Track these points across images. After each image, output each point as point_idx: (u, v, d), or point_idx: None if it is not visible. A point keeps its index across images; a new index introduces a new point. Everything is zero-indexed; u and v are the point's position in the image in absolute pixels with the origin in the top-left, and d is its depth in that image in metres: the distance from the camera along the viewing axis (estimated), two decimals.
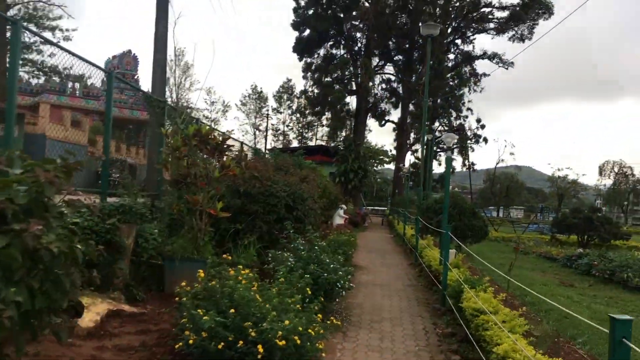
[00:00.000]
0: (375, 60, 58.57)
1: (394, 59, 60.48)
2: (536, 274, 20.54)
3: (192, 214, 9.56)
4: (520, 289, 11.31)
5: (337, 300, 9.49)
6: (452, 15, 56.82)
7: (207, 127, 10.67)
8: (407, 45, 57.18)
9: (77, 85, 36.21)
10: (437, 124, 61.33)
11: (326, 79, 56.30)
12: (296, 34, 57.22)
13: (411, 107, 58.96)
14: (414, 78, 57.31)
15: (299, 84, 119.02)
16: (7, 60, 6.81)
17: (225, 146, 10.34)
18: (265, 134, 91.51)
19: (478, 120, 62.41)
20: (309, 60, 58.06)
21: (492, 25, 58.29)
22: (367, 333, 8.37)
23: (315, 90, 58.47)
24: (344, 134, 61.17)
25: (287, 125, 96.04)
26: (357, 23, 55.72)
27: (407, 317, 9.77)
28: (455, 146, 56.92)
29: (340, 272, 9.00)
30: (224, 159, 10.39)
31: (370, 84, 56.60)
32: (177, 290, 6.19)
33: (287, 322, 5.40)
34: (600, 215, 35.72)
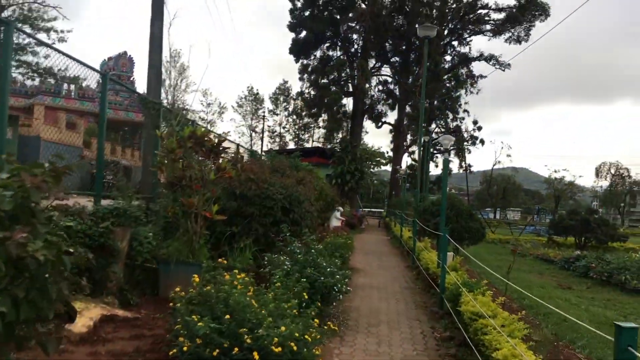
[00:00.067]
0: (371, 62, 58.60)
1: (391, 60, 60.47)
2: (533, 276, 20.50)
3: (187, 217, 9.47)
4: (519, 292, 11.24)
5: (334, 304, 9.40)
6: (449, 17, 56.86)
7: (203, 129, 10.57)
8: (403, 47, 57.11)
9: (72, 86, 36.11)
10: (433, 125, 61.33)
11: (323, 81, 56.29)
12: (292, 35, 57.27)
13: (408, 108, 58.99)
14: (410, 80, 57.25)
15: (296, 86, 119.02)
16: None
17: (220, 148, 10.24)
18: (261, 135, 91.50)
19: (475, 122, 62.44)
20: (305, 61, 58.08)
21: (488, 26, 58.31)
22: (365, 337, 8.28)
23: (312, 92, 58.51)
24: (340, 135, 61.23)
25: (284, 127, 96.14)
26: (353, 24, 55.71)
27: (405, 321, 9.68)
28: (451, 148, 56.94)
29: (338, 276, 8.90)
30: (220, 161, 10.29)
31: (367, 85, 56.66)
32: (172, 296, 6.09)
33: (283, 328, 5.29)
34: (597, 217, 35.74)
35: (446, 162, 13.69)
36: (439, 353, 7.75)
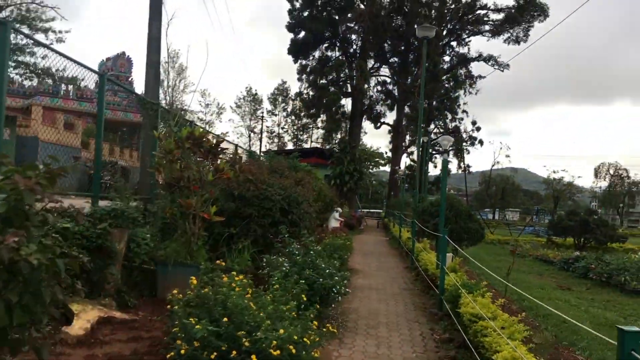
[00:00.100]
0: (370, 63, 58.57)
1: (390, 61, 60.44)
2: (533, 277, 20.48)
3: (185, 218, 9.42)
4: (518, 293, 11.19)
5: (332, 305, 9.35)
6: (448, 18, 56.86)
7: (201, 129, 10.52)
8: (402, 48, 57.08)
9: (70, 87, 36.01)
10: (432, 126, 61.34)
11: (321, 81, 56.24)
12: (291, 36, 57.23)
13: (406, 109, 59.01)
14: (409, 80, 57.25)
15: (294, 86, 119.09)
16: None
17: (219, 149, 10.20)
18: (260, 136, 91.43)
19: (473, 123, 62.44)
20: (304, 62, 58.04)
21: (487, 27, 58.31)
22: (364, 339, 8.23)
23: (311, 93, 58.44)
24: (339, 136, 61.13)
25: (282, 128, 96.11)
26: (352, 25, 55.69)
27: (404, 322, 9.64)
28: (450, 148, 56.94)
29: (336, 277, 8.85)
30: (218, 162, 10.25)
31: (366, 86, 56.64)
32: (169, 298, 6.03)
33: (281, 330, 5.24)
34: (597, 217, 35.73)
35: (445, 163, 13.66)
36: (439, 355, 7.70)
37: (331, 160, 46.32)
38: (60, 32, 47.86)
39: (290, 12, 56.21)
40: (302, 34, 56.02)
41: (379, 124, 62.97)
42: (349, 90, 56.98)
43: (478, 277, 13.80)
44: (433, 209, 19.39)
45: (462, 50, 60.78)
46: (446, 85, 58.24)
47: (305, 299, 7.09)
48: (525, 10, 54.57)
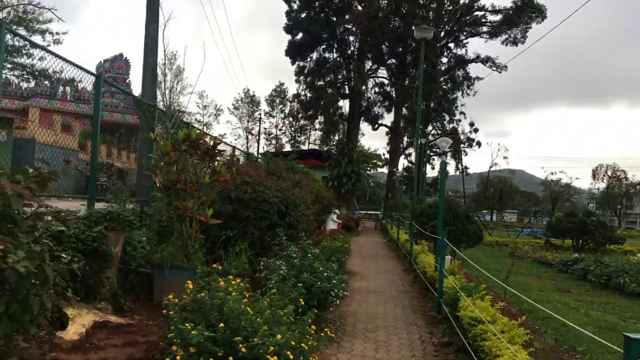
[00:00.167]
0: (368, 64, 58.49)
1: (387, 62, 60.31)
2: (531, 279, 20.43)
3: (182, 221, 9.36)
4: (517, 296, 11.12)
5: (330, 309, 9.29)
6: (445, 19, 56.86)
7: (198, 131, 10.44)
8: (400, 49, 56.98)
9: (67, 89, 35.88)
10: (430, 127, 61.26)
11: (319, 83, 56.10)
12: (289, 37, 57.10)
13: (404, 110, 58.90)
14: (407, 82, 57.17)
15: (292, 88, 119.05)
16: None
17: (216, 151, 10.13)
18: (257, 138, 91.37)
19: (471, 124, 62.45)
20: (301, 63, 57.88)
21: (485, 28, 58.24)
22: (362, 343, 8.16)
23: (308, 94, 58.27)
24: (337, 137, 60.98)
25: (280, 129, 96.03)
26: (350, 26, 55.57)
27: (403, 326, 9.57)
28: (448, 150, 56.88)
29: (334, 280, 8.79)
30: (215, 164, 10.18)
31: (364, 87, 56.49)
32: (165, 302, 5.95)
33: (279, 336, 5.17)
34: (595, 219, 35.63)
35: (443, 165, 13.57)
36: (438, 359, 7.63)
37: (329, 162, 46.21)
38: (57, 33, 47.77)
39: (287, 13, 56.12)
40: (300, 35, 55.89)
41: (376, 126, 62.89)
42: (347, 91, 56.86)
43: (477, 280, 13.73)
44: (431, 210, 19.35)
45: (460, 51, 60.84)
46: (444, 86, 58.17)
47: (303, 302, 7.02)
48: (523, 12, 54.53)
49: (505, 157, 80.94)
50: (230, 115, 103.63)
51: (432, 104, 57.06)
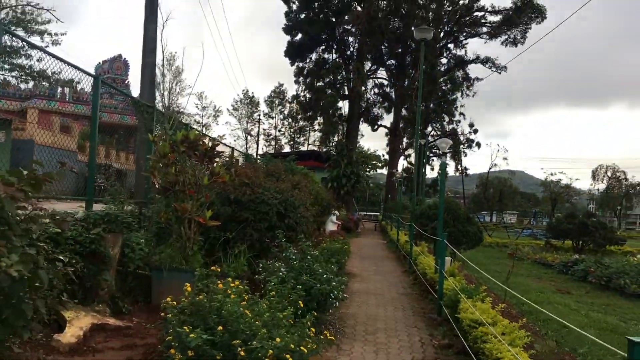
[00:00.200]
0: (367, 65, 58.45)
1: (387, 63, 60.27)
2: (532, 280, 20.39)
3: (180, 223, 9.31)
4: (517, 297, 11.08)
5: (330, 311, 9.25)
6: (445, 20, 56.80)
7: (197, 132, 10.40)
8: (399, 50, 56.95)
9: (66, 90, 35.89)
10: (429, 128, 61.26)
11: (318, 84, 56.05)
12: (288, 38, 57.07)
13: (404, 111, 58.81)
14: (406, 82, 57.13)
15: (291, 89, 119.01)
16: None
17: (214, 152, 10.08)
18: (257, 139, 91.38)
19: (471, 125, 62.39)
20: (301, 64, 57.83)
21: (484, 29, 58.19)
22: (362, 345, 8.11)
23: (308, 95, 58.19)
24: (336, 138, 60.89)
25: (279, 130, 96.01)
26: (349, 27, 55.52)
27: (403, 328, 9.51)
28: (448, 151, 56.84)
29: (334, 282, 8.75)
30: (214, 165, 10.13)
31: (363, 88, 56.41)
32: (163, 305, 5.90)
33: (278, 339, 5.12)
34: (595, 220, 35.58)
35: (443, 166, 13.51)
36: None
37: (328, 163, 46.17)
38: (56, 34, 47.65)
39: (287, 14, 56.08)
40: (299, 36, 55.87)
41: (376, 127, 62.84)
42: (346, 92, 56.81)
43: (477, 281, 13.69)
44: (431, 212, 19.32)
45: (460, 52, 60.71)
46: (443, 87, 58.14)
47: (302, 305, 6.98)
48: (523, 12, 54.48)
49: (504, 158, 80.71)
50: (230, 117, 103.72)
51: (431, 105, 57.00)
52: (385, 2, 54.56)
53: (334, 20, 54.76)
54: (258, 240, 11.09)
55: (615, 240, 34.64)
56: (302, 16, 54.69)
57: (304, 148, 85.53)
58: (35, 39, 44.68)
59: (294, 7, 55.34)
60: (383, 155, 76.40)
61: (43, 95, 35.39)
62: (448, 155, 59.47)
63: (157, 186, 9.96)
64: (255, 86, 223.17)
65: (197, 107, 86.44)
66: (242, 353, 4.91)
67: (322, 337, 6.42)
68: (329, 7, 53.85)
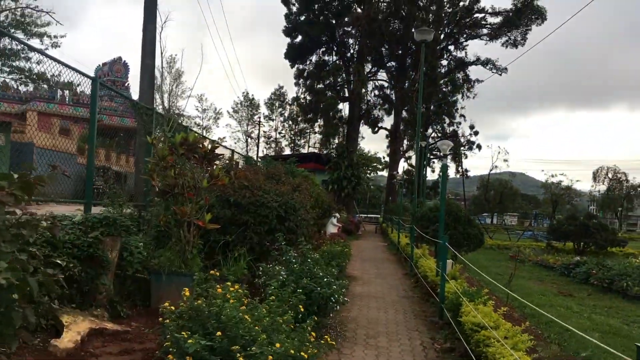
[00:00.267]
0: (368, 67, 58.43)
1: (387, 65, 60.27)
2: (533, 282, 20.31)
3: (179, 226, 9.24)
4: (519, 300, 11.00)
5: (331, 314, 9.17)
6: (445, 21, 56.77)
7: (195, 134, 10.33)
8: (399, 52, 56.97)
9: (66, 92, 35.81)
10: (430, 130, 61.17)
11: (318, 86, 56.03)
12: (288, 40, 57.05)
13: (404, 113, 58.76)
14: (407, 84, 57.10)
15: (291, 91, 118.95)
16: None
17: (214, 154, 10.01)
18: (257, 141, 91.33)
19: (471, 127, 62.28)
20: (301, 66, 57.84)
21: (485, 31, 58.17)
22: (363, 349, 8.03)
23: (308, 97, 58.18)
24: (336, 141, 60.82)
25: (280, 133, 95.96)
26: (349, 29, 55.56)
27: (404, 332, 9.44)
28: (448, 153, 56.65)
29: (335, 286, 8.67)
30: (213, 167, 10.06)
31: (363, 90, 56.35)
32: (161, 310, 5.82)
33: (278, 344, 5.05)
34: (596, 221, 35.50)
35: (445, 168, 13.45)
36: None
37: (329, 166, 46.16)
38: (55, 36, 47.63)
39: (287, 16, 56.08)
40: (299, 38, 55.87)
41: (376, 129, 62.76)
42: (347, 94, 56.79)
43: (478, 284, 13.61)
44: (432, 214, 19.24)
45: (460, 54, 60.62)
46: (444, 89, 58.09)
47: (302, 309, 6.91)
48: (523, 14, 54.47)
49: (505, 160, 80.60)
50: (230, 119, 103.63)
51: (432, 107, 56.88)
52: (385, 4, 54.59)
53: (334, 22, 54.80)
54: (258, 243, 11.01)
55: (616, 242, 34.56)
56: (302, 18, 54.69)
57: (304, 150, 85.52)
58: (34, 42, 44.70)
59: (294, 9, 55.34)
60: (384, 157, 76.48)
61: (43, 98, 35.30)
62: (449, 157, 59.43)
63: (156, 189, 9.89)
64: (256, 88, 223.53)
65: (197, 109, 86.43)
66: (241, 359, 4.84)
67: (322, 341, 6.34)
68: (329, 9, 53.87)
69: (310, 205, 14.21)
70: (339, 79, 57.02)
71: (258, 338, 5.07)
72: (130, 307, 8.47)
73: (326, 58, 57.85)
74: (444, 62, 60.52)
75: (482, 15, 57.38)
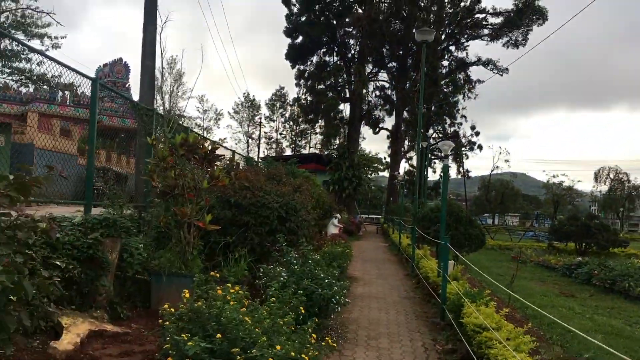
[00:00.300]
0: (368, 67, 58.51)
1: (388, 65, 60.33)
2: (535, 283, 20.25)
3: (180, 227, 9.20)
4: (521, 301, 10.95)
5: (332, 316, 9.12)
6: (446, 22, 56.80)
7: (196, 135, 10.29)
8: (400, 52, 57.01)
9: (67, 93, 35.78)
10: (431, 131, 61.11)
11: (319, 87, 56.09)
12: (289, 41, 57.06)
13: (405, 114, 58.83)
14: (408, 85, 57.13)
15: (292, 92, 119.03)
16: None
17: (214, 155, 9.97)
18: (258, 142, 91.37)
19: (472, 127, 62.25)
20: (301, 67, 57.93)
21: (486, 31, 58.21)
22: (364, 351, 7.98)
23: (309, 98, 58.29)
24: (337, 141, 60.85)
25: (280, 134, 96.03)
26: (350, 30, 55.62)
27: (405, 333, 9.39)
28: (450, 153, 56.64)
29: (336, 287, 8.63)
30: (214, 168, 10.02)
31: (364, 91, 56.41)
32: (161, 312, 5.77)
33: (278, 347, 5.00)
34: (598, 222, 35.42)
35: (446, 169, 13.40)
36: None
37: (330, 166, 46.14)
38: (56, 37, 47.66)
39: (287, 17, 56.11)
40: (300, 38, 55.93)
41: (377, 129, 62.81)
42: (347, 95, 56.84)
43: (480, 285, 13.56)
44: (433, 215, 19.17)
45: (461, 54, 60.71)
46: (445, 90, 58.12)
47: (303, 310, 6.86)
48: (524, 14, 54.50)
49: (506, 160, 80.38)
50: (231, 120, 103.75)
51: (433, 107, 56.87)
52: (386, 5, 54.64)
53: (334, 22, 54.83)
54: (259, 244, 10.97)
55: (618, 243, 34.50)
56: (303, 19, 54.72)
57: (305, 151, 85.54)
58: (35, 43, 44.71)
59: (295, 9, 55.39)
60: (385, 158, 76.47)
61: (43, 99, 35.25)
62: (450, 157, 59.35)
63: (156, 190, 9.86)
64: (257, 89, 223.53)
65: (198, 110, 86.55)
66: None
67: (323, 343, 6.30)
68: (330, 10, 53.88)
69: (311, 206, 14.17)
70: (339, 80, 57.08)
71: (258, 340, 5.02)
72: (130, 309, 8.43)
73: (327, 59, 57.97)
74: (445, 63, 60.68)
75: (483, 15, 57.46)
